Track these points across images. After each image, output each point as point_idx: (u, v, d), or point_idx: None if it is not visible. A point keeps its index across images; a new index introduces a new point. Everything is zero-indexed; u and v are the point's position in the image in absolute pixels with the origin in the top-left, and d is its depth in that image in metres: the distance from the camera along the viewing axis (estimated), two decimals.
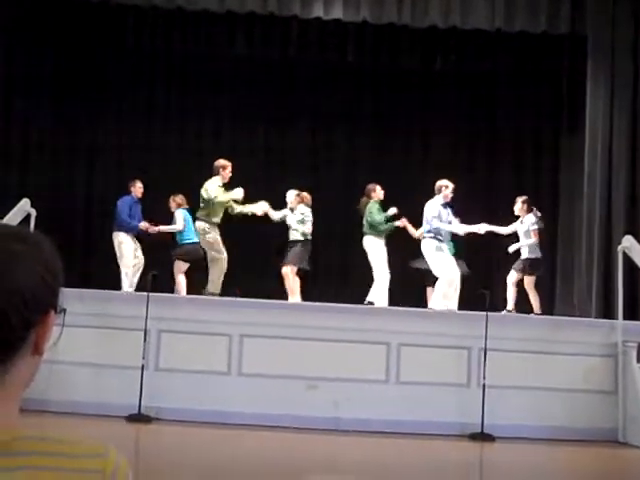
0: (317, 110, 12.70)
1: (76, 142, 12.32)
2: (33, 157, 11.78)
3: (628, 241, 9.40)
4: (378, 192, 10.74)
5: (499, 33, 11.05)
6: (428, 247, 10.18)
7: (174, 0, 10.85)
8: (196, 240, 10.51)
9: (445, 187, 10.35)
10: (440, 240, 10.17)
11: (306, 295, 10.36)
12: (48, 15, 11.41)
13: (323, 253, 11.82)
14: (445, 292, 9.94)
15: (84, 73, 12.17)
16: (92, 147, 12.55)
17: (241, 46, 11.82)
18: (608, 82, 10.81)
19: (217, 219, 10.22)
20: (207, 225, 10.19)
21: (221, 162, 10.33)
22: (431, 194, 10.48)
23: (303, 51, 11.95)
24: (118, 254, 10.59)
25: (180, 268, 10.50)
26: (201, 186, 10.34)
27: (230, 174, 10.30)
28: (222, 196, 10.14)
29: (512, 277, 10.46)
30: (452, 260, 10.22)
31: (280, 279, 10.40)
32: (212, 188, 10.14)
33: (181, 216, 10.65)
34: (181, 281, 10.48)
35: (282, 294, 10.28)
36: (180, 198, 10.81)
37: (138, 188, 10.87)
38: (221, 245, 10.20)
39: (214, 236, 10.20)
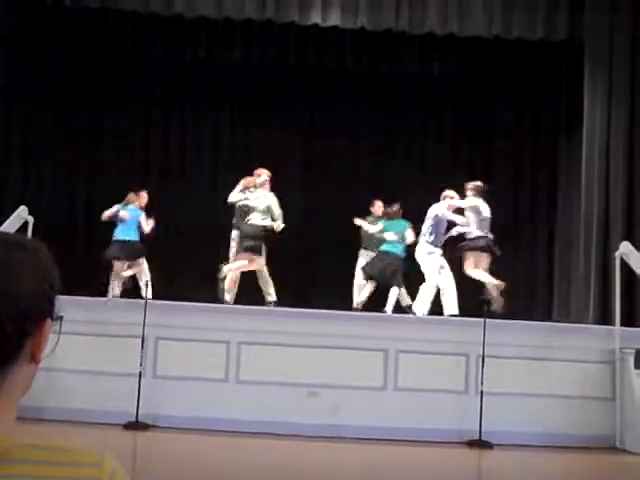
0: (315, 116, 12.72)
1: (76, 147, 12.32)
2: (33, 162, 11.75)
3: (626, 247, 9.40)
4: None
5: (497, 40, 11.08)
6: (422, 250, 10.21)
7: (172, 7, 10.86)
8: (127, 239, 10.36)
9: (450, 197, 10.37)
10: (435, 245, 10.20)
11: (306, 302, 10.33)
12: (48, 22, 11.42)
13: (324, 260, 11.83)
14: (429, 297, 10.06)
15: (84, 79, 12.18)
16: (92, 152, 12.54)
17: (239, 52, 11.84)
18: (605, 88, 10.82)
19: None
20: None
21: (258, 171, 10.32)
22: (430, 198, 10.50)
23: (301, 57, 11.97)
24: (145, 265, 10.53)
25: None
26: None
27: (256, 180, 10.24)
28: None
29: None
30: (440, 265, 10.22)
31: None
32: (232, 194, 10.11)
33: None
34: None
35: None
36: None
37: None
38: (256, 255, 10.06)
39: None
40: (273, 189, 10.49)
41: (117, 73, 12.48)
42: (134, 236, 10.29)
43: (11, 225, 8.86)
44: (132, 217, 10.33)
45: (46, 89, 11.75)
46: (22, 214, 9.15)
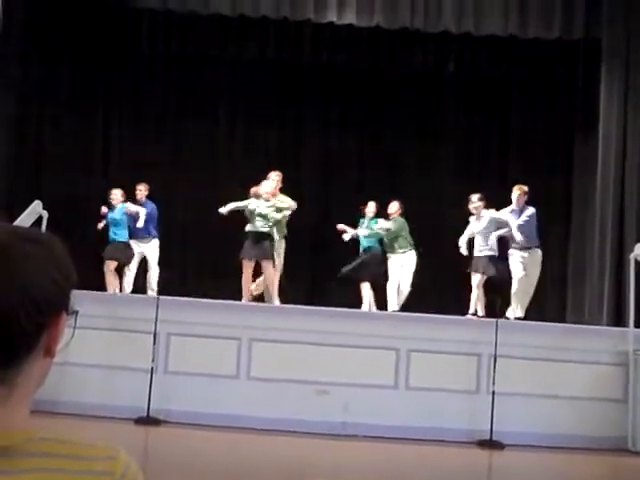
0: (329, 114, 12.71)
1: (91, 146, 12.35)
2: (48, 162, 11.77)
3: None
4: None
5: (512, 39, 11.04)
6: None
7: (187, 4, 10.88)
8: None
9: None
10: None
11: (318, 300, 10.34)
12: (63, 20, 11.44)
13: (337, 258, 11.82)
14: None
15: (99, 77, 12.20)
16: (106, 151, 12.56)
17: (254, 50, 11.85)
18: (622, 88, 10.75)
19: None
20: None
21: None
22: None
23: (316, 55, 11.97)
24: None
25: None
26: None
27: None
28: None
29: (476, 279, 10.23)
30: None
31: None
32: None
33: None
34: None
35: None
36: None
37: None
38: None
39: None
40: (287, 186, 10.47)
41: (132, 71, 12.49)
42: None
43: (26, 220, 8.89)
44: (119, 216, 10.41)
45: (61, 87, 11.77)
46: (37, 208, 9.18)
